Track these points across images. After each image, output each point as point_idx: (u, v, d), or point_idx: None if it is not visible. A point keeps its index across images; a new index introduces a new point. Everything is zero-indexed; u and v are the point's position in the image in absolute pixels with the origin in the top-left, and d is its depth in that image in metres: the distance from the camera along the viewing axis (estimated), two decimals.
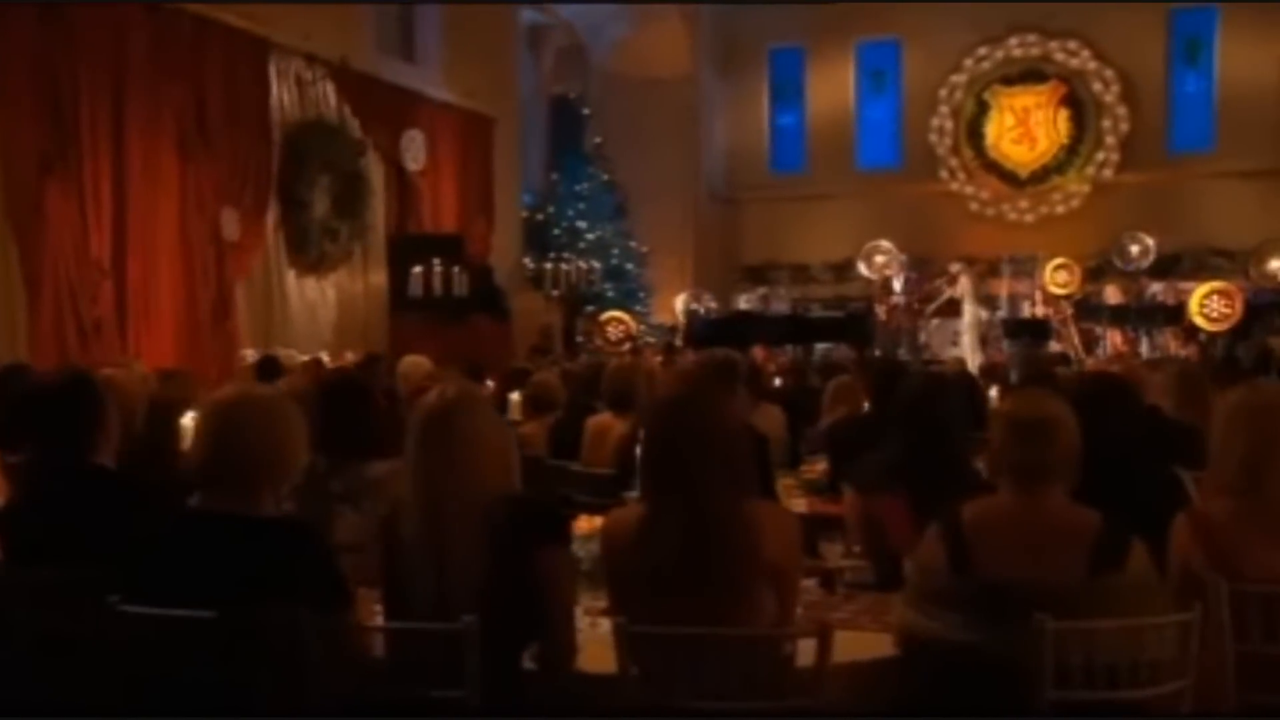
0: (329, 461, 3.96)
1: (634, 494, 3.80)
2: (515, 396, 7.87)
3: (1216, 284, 15.12)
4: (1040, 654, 2.76)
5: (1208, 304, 14.87)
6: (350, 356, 12.15)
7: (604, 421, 6.19)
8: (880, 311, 16.62)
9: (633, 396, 6.04)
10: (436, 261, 13.06)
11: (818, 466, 6.13)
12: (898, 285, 16.34)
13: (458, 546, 2.90)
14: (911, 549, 3.98)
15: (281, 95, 12.96)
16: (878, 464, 4.38)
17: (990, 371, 9.81)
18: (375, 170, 13.98)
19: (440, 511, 2.92)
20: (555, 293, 16.14)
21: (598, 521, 4.08)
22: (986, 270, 17.49)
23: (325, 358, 11.73)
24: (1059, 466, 3.00)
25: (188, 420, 5.58)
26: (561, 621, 2.96)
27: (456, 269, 13.06)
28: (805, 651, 2.88)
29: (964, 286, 16.03)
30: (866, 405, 6.26)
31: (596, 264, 16.15)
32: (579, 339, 16.15)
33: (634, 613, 2.85)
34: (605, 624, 3.27)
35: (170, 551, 2.94)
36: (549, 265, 15.68)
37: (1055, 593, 2.82)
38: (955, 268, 16.27)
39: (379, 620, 3.14)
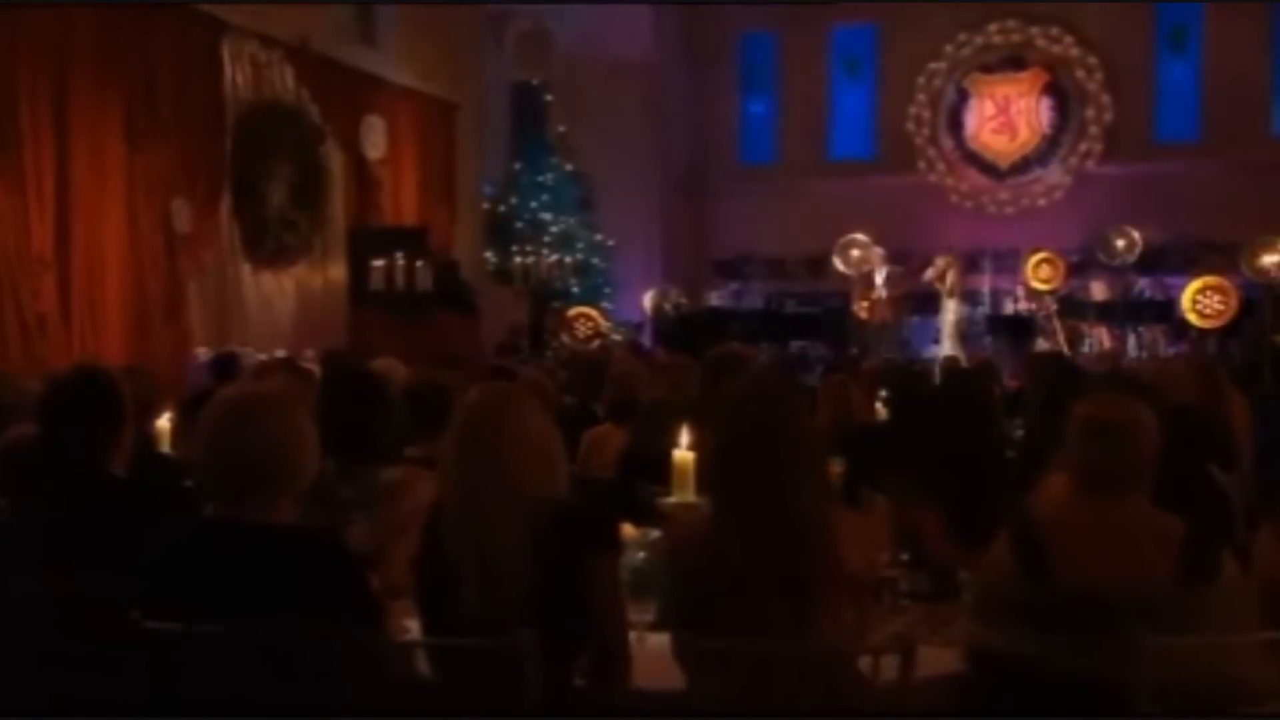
0: (339, 465, 3.84)
1: (672, 500, 3.73)
2: None
3: (1210, 279, 15.16)
4: (1138, 671, 2.68)
5: (1201, 300, 14.92)
6: (310, 354, 11.99)
7: (603, 432, 6.15)
8: (860, 308, 16.57)
9: (634, 405, 5.98)
10: (399, 254, 12.90)
11: (832, 469, 6.06)
12: (879, 279, 16.29)
13: (504, 554, 2.81)
14: (950, 556, 3.93)
15: (235, 79, 12.75)
16: (910, 469, 4.32)
17: (985, 372, 9.76)
18: (334, 159, 13.81)
19: (485, 517, 2.84)
20: (520, 287, 16.00)
21: (627, 529, 4.00)
22: (967, 265, 17.47)
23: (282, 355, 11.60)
24: (1140, 470, 2.94)
25: (164, 422, 5.47)
26: (615, 635, 2.89)
27: (420, 262, 12.91)
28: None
29: (951, 282, 16.03)
30: (880, 408, 6.22)
31: (568, 258, 16.02)
32: (544, 336, 16.00)
33: (703, 626, 2.75)
34: (652, 639, 3.19)
35: (189, 565, 2.82)
36: (518, 259, 15.53)
37: (1147, 604, 2.76)
38: (941, 261, 16.24)
39: (410, 635, 3.05)
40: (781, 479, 2.82)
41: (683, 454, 3.73)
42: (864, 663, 2.81)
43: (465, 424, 2.90)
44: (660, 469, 4.97)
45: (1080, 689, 2.77)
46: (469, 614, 2.81)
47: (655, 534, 3.77)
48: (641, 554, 3.63)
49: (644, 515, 3.86)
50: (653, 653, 3.07)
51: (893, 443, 4.86)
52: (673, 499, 3.70)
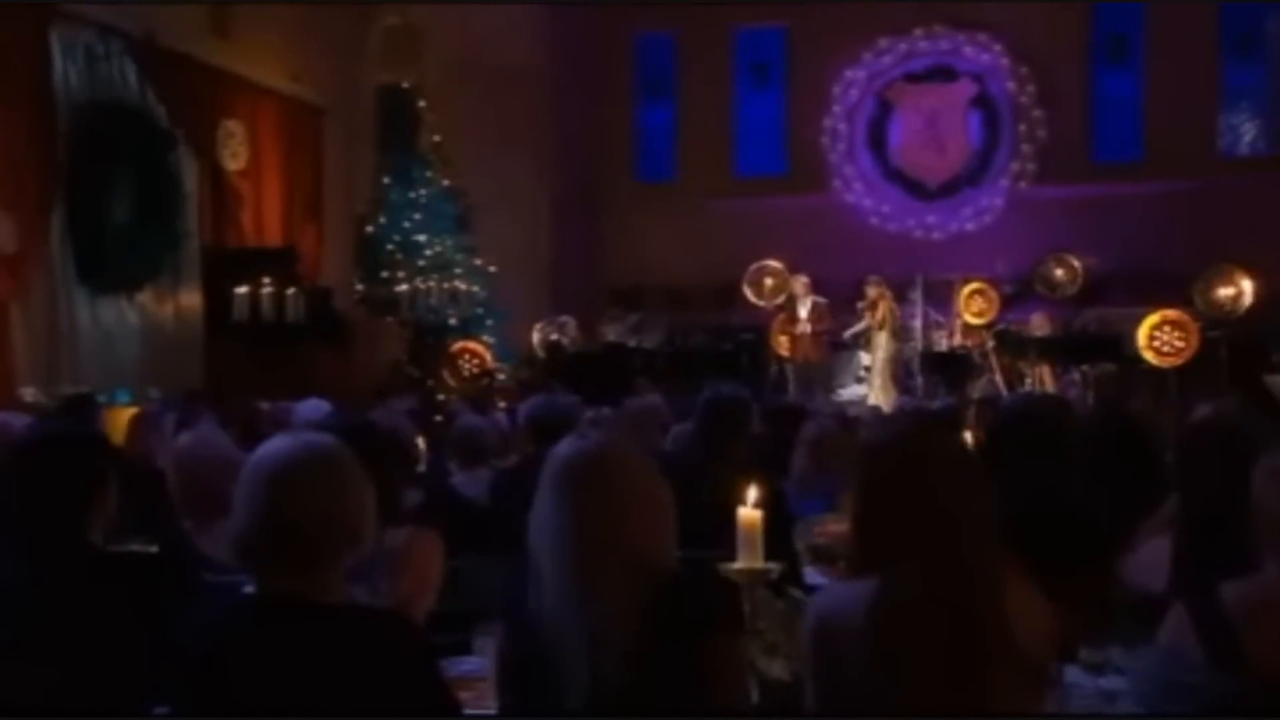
0: None
1: (739, 565, 3.55)
2: (420, 444, 7.53)
3: (1169, 313, 15.42)
4: None
5: (1158, 336, 15.17)
6: (155, 394, 11.61)
7: None
8: (780, 344, 16.57)
9: None
10: (266, 280, 12.57)
11: (829, 527, 5.94)
12: (804, 312, 16.29)
13: (616, 631, 2.65)
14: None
15: (67, 74, 12.37)
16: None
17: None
18: (187, 168, 13.42)
19: (594, 588, 2.66)
20: (391, 319, 15.69)
21: None
22: (895, 295, 17.57)
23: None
24: None
25: None
26: None
27: (291, 290, 12.60)
28: None
29: (882, 313, 16.12)
30: None
31: (463, 286, 15.72)
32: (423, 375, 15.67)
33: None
34: None
35: (230, 651, 2.60)
36: (401, 286, 15.20)
37: None
38: (873, 291, 16.32)
39: None
40: (956, 534, 2.71)
41: (749, 513, 3.55)
42: None
43: (568, 478, 2.74)
44: None
45: None
46: (574, 700, 2.63)
47: None
48: None
49: None
50: None
51: None
52: (739, 564, 3.52)
